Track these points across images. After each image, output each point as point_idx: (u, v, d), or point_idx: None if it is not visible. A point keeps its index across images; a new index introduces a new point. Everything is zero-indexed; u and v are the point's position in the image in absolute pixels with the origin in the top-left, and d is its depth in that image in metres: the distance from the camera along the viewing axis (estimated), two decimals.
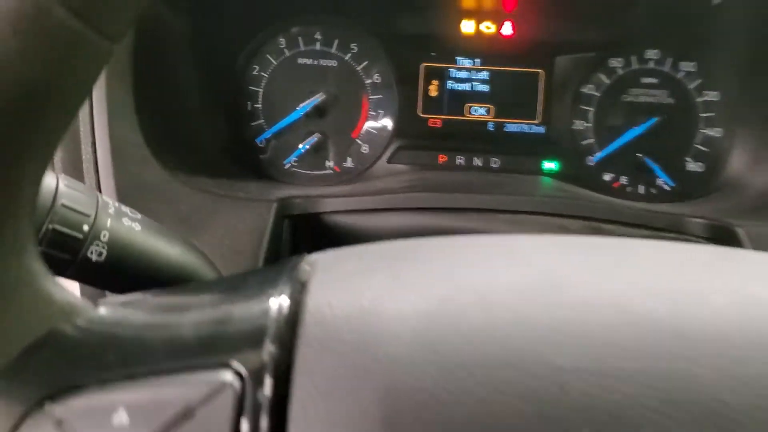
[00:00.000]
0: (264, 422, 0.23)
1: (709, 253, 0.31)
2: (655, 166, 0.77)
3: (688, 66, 0.77)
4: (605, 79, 0.78)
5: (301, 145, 0.78)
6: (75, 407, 0.24)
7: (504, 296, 0.25)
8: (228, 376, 0.24)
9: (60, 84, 0.23)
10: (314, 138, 0.78)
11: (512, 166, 0.78)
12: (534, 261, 0.29)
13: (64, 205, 0.36)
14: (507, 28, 0.77)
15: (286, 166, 0.79)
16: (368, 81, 0.79)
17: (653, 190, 0.78)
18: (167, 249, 0.40)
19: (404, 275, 0.28)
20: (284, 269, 0.29)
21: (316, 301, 0.26)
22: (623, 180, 0.79)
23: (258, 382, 0.23)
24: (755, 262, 0.30)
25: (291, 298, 0.26)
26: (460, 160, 0.79)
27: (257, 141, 0.79)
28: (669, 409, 0.22)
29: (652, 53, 0.78)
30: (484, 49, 0.78)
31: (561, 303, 0.25)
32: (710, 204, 0.73)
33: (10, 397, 0.24)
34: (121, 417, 0.23)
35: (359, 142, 0.79)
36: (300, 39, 0.79)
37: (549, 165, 0.78)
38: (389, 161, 0.79)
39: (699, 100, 0.78)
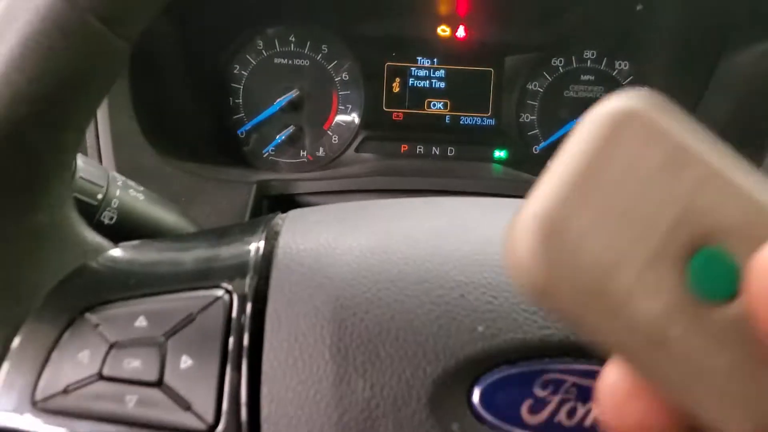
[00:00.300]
0: (247, 321, 0.31)
1: None
2: None
3: (621, 64, 0.86)
4: (548, 77, 0.86)
5: (277, 136, 0.86)
6: (107, 315, 0.32)
7: (423, 234, 0.34)
8: (220, 292, 0.32)
9: (94, 71, 0.31)
10: (290, 130, 0.86)
11: (466, 154, 0.87)
12: (448, 211, 0.38)
13: (82, 178, 0.44)
14: (461, 31, 0.85)
15: (265, 155, 0.87)
16: (337, 78, 0.87)
17: None
18: (165, 215, 0.49)
19: (352, 223, 0.36)
20: (262, 221, 0.37)
21: (285, 241, 0.34)
22: None
23: (243, 298, 0.32)
24: None
25: (267, 240, 0.35)
26: (420, 149, 0.87)
27: (239, 132, 0.87)
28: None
29: (589, 53, 0.86)
30: (441, 50, 0.86)
31: (464, 239, 0.34)
32: None
33: (59, 309, 0.32)
34: (141, 321, 0.32)
35: (330, 133, 0.87)
36: (276, 41, 0.86)
37: (499, 153, 0.87)
38: (357, 150, 0.87)
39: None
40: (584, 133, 0.17)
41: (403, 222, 0.36)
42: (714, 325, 0.16)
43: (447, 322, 0.30)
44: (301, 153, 0.87)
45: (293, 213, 0.38)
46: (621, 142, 0.16)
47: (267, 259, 0.34)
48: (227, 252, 0.35)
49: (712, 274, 0.16)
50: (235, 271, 0.33)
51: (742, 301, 0.16)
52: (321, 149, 0.87)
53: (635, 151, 0.16)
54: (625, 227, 0.16)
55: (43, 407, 0.30)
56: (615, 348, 0.16)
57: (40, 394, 0.31)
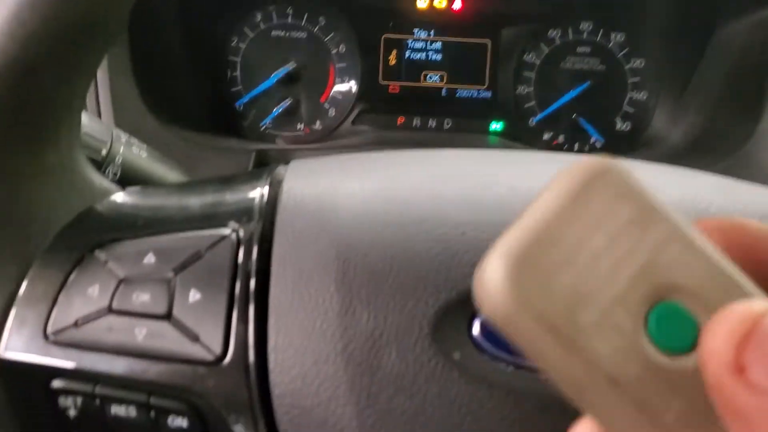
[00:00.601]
0: (254, 258, 0.32)
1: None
2: (588, 126, 0.87)
3: (617, 36, 0.87)
4: (545, 48, 0.87)
5: (275, 109, 0.87)
6: (116, 252, 0.33)
7: (424, 179, 0.35)
8: (227, 231, 0.33)
9: (105, 11, 0.31)
10: (287, 102, 0.87)
11: (463, 127, 0.87)
12: (447, 160, 0.39)
13: (86, 133, 0.45)
14: (457, 3, 0.85)
15: (262, 128, 0.87)
16: (334, 51, 0.87)
17: (587, 148, 0.88)
18: (168, 173, 0.49)
19: (354, 170, 0.37)
20: (265, 170, 0.38)
21: (289, 187, 0.35)
22: (561, 138, 0.88)
23: (250, 237, 0.33)
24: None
25: (271, 187, 0.36)
26: (416, 121, 0.88)
27: (236, 105, 0.87)
28: None
29: (585, 25, 0.86)
30: (437, 22, 0.86)
31: (464, 184, 0.35)
32: (635, 158, 0.83)
33: (69, 246, 0.33)
34: (150, 258, 0.32)
35: (326, 106, 0.88)
36: (273, 13, 0.86)
37: (495, 126, 0.88)
38: (353, 123, 0.87)
39: (627, 66, 0.88)
40: (561, 183, 0.18)
41: (404, 168, 0.37)
42: (668, 373, 0.17)
43: (448, 257, 0.31)
44: (298, 126, 0.88)
45: (295, 162, 0.39)
46: (595, 194, 0.18)
47: (272, 203, 0.34)
48: (233, 197, 0.36)
49: (670, 326, 0.17)
50: (242, 213, 0.34)
51: (695, 355, 0.17)
52: (318, 122, 0.88)
53: (607, 203, 0.18)
54: (593, 270, 0.17)
55: (54, 340, 0.31)
56: (570, 385, 0.17)
57: (51, 328, 0.31)
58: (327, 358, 0.30)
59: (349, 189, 0.35)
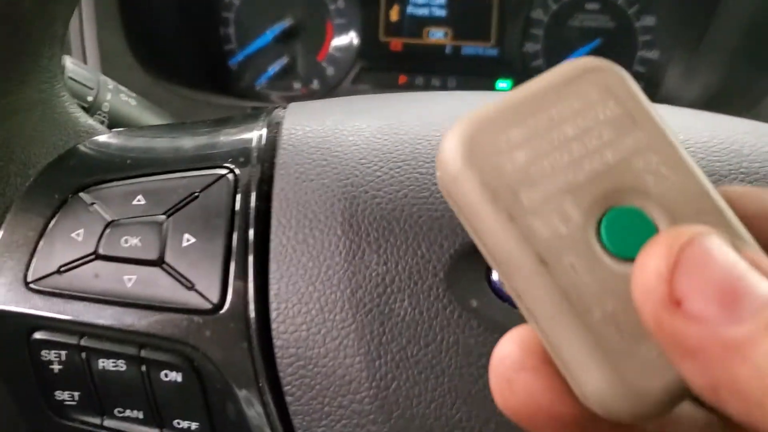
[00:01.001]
0: (253, 198, 0.29)
1: None
2: None
3: None
4: (553, 5, 0.84)
5: (270, 68, 0.84)
6: (102, 195, 0.30)
7: (435, 116, 0.33)
8: (223, 171, 0.30)
9: None
10: (283, 61, 0.84)
11: (468, 86, 0.84)
12: (457, 99, 0.36)
13: (71, 78, 0.42)
14: None
15: (257, 88, 0.84)
16: (332, 6, 0.84)
17: None
18: (158, 121, 0.46)
19: (358, 109, 0.34)
20: (262, 112, 0.35)
21: (290, 126, 0.32)
22: None
23: (248, 176, 0.30)
24: None
25: (269, 128, 0.33)
26: (419, 80, 0.85)
27: (230, 63, 0.84)
28: None
29: None
30: None
31: None
32: None
33: (51, 188, 0.30)
34: (140, 200, 0.30)
35: (324, 64, 0.85)
36: None
37: (502, 84, 0.85)
38: (353, 82, 0.84)
39: (637, 24, 0.85)
40: (554, 71, 0.18)
41: (412, 106, 0.34)
42: (607, 273, 0.16)
43: None
44: (295, 85, 0.85)
45: (294, 104, 0.36)
46: (582, 85, 0.17)
47: (271, 144, 0.32)
48: (228, 138, 0.33)
49: (625, 229, 0.16)
50: (238, 154, 0.31)
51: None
52: (315, 81, 0.85)
53: (591, 98, 0.17)
54: (552, 155, 0.17)
55: (35, 288, 0.29)
56: (500, 259, 0.17)
57: (32, 275, 0.29)
58: (334, 306, 0.27)
59: (355, 126, 0.32)
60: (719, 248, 0.14)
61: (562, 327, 0.16)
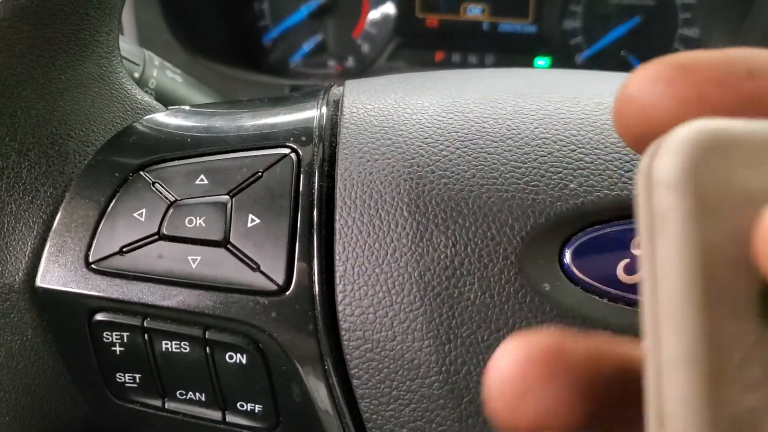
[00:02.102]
0: (317, 178, 0.29)
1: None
2: (637, 63, 0.83)
3: None
4: None
5: (304, 45, 0.83)
6: (164, 174, 0.30)
7: (502, 94, 0.31)
8: (287, 150, 0.30)
9: None
10: (317, 38, 0.83)
11: (505, 63, 0.83)
12: (524, 76, 0.35)
13: None
14: None
15: (292, 66, 0.84)
16: None
17: None
18: (204, 99, 0.46)
19: (421, 86, 0.34)
20: (320, 89, 0.34)
21: (350, 104, 0.32)
22: None
23: (311, 156, 0.29)
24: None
25: (328, 107, 0.32)
26: (456, 57, 0.83)
27: (264, 40, 0.83)
28: None
29: None
30: None
31: (547, 98, 0.31)
32: None
33: (111, 166, 0.30)
34: (203, 179, 0.29)
35: (359, 42, 0.84)
36: None
37: (540, 62, 0.83)
38: (388, 60, 0.83)
39: (678, 2, 0.83)
40: None
41: (476, 83, 0.33)
42: None
43: (535, 178, 0.28)
44: (329, 63, 0.84)
45: (351, 82, 0.35)
46: None
47: (332, 122, 0.31)
48: (288, 117, 0.32)
49: None
50: (300, 132, 0.30)
51: None
52: (350, 59, 0.84)
53: None
54: None
55: (97, 269, 0.28)
56: (665, 287, 0.13)
57: (93, 256, 0.29)
58: (402, 288, 0.27)
59: (419, 104, 0.31)
60: None
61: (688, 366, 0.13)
